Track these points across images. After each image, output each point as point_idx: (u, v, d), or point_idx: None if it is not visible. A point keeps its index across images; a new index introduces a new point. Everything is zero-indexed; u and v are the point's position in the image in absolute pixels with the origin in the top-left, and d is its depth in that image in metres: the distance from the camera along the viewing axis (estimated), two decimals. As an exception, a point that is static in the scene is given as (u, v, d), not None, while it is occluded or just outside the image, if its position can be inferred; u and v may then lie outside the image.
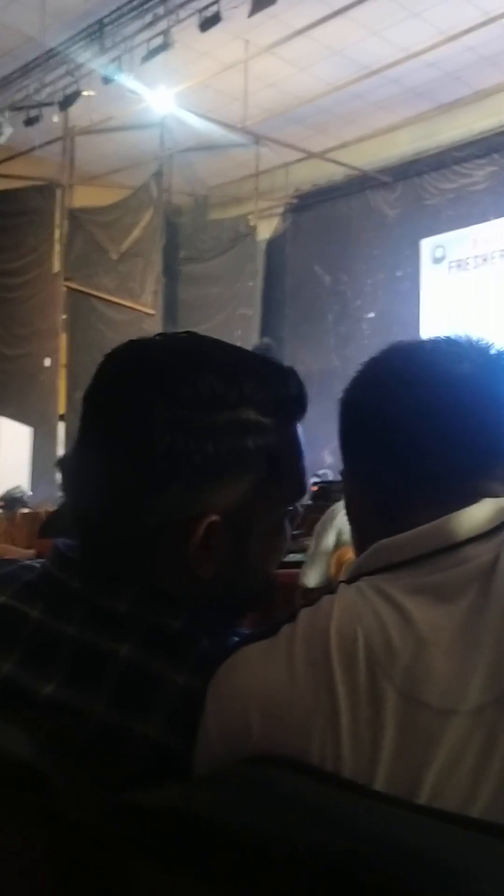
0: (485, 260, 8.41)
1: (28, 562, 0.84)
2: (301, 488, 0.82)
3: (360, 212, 9.35)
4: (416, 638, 0.63)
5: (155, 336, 0.82)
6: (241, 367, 0.77)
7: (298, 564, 3.70)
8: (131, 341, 0.80)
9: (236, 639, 0.76)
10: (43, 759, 0.68)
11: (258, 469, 0.76)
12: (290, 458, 0.79)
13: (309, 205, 9.82)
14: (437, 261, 8.75)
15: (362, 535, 0.80)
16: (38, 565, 0.82)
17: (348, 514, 0.86)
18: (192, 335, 0.81)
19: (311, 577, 3.53)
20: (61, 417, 9.01)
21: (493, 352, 0.78)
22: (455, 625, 0.64)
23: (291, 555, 4.01)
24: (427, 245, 8.70)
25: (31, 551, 3.75)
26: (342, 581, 0.72)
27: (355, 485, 0.83)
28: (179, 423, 0.72)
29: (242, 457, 0.74)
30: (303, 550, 3.80)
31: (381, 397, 0.78)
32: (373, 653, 0.63)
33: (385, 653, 0.63)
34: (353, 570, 0.74)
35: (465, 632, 0.63)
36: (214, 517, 0.74)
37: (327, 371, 9.04)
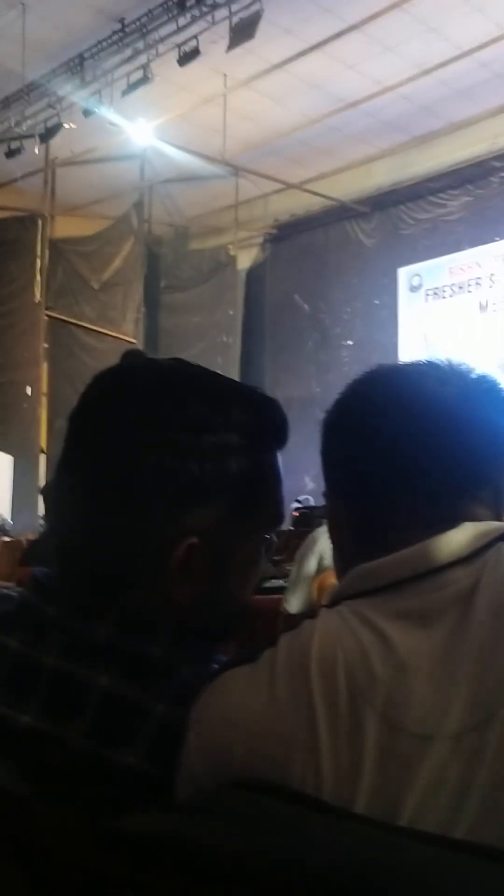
0: (460, 288, 8.54)
1: (4, 591, 0.84)
2: (278, 516, 0.83)
3: (338, 241, 9.47)
4: (396, 663, 0.63)
5: (142, 360, 0.83)
6: (227, 392, 0.79)
7: (281, 590, 3.70)
8: (118, 364, 0.81)
9: (216, 666, 0.75)
10: (23, 789, 0.67)
11: (239, 493, 0.76)
12: (270, 484, 0.80)
13: (288, 235, 9.93)
14: (414, 289, 8.86)
15: (344, 557, 0.79)
16: (15, 594, 0.81)
17: (331, 536, 0.85)
18: (178, 360, 0.82)
19: (294, 603, 3.52)
20: (42, 450, 8.98)
21: (473, 376, 0.78)
22: (435, 650, 0.64)
23: (273, 580, 4.01)
24: (404, 274, 8.82)
25: (11, 583, 3.72)
26: (323, 605, 0.72)
27: (336, 506, 0.81)
28: (164, 444, 0.73)
29: (225, 480, 0.75)
30: (285, 576, 3.81)
31: (364, 419, 0.77)
32: (353, 678, 0.63)
33: (365, 678, 0.63)
34: (334, 595, 0.74)
35: (446, 657, 0.63)
36: (194, 539, 0.74)
37: (308, 398, 9.08)
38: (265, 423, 0.79)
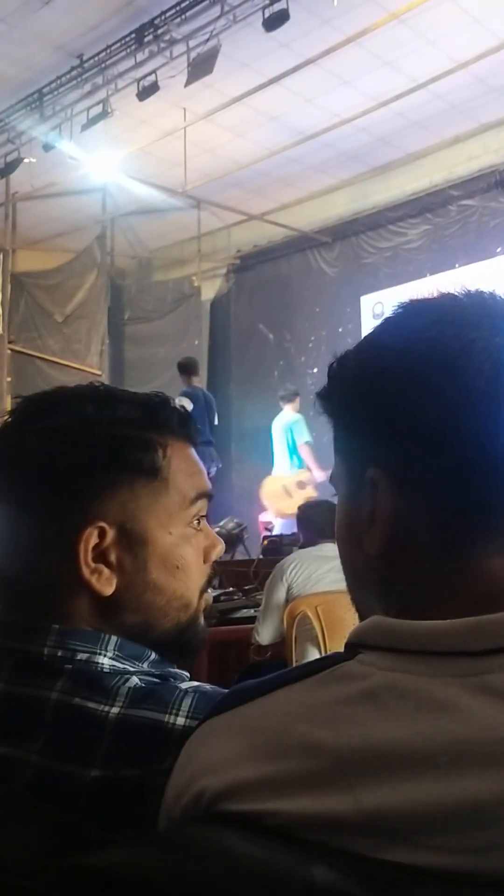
0: (423, 314, 8.63)
1: None
2: (194, 499, 0.83)
3: (301, 271, 9.56)
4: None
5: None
6: (116, 393, 0.83)
7: (252, 620, 3.66)
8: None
9: (182, 685, 0.75)
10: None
11: (143, 481, 0.79)
12: (179, 472, 0.81)
13: (251, 265, 10.01)
14: (377, 317, 8.93)
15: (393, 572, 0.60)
16: None
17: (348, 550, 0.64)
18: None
19: (265, 634, 3.47)
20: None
21: None
22: None
23: (244, 610, 3.98)
24: (367, 302, 8.92)
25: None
26: (342, 657, 0.57)
27: (393, 494, 0.58)
28: (51, 436, 0.77)
29: (124, 469, 0.78)
30: (256, 606, 3.77)
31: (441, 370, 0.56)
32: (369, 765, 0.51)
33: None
34: (356, 637, 0.57)
35: None
36: (103, 523, 0.76)
37: (274, 426, 9.11)
38: (162, 416, 0.82)
